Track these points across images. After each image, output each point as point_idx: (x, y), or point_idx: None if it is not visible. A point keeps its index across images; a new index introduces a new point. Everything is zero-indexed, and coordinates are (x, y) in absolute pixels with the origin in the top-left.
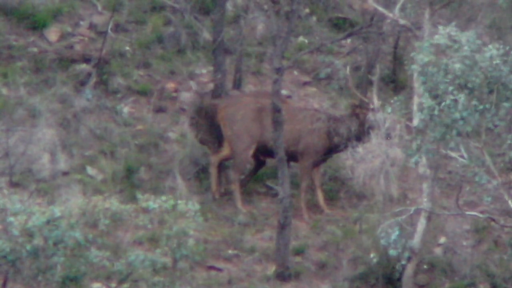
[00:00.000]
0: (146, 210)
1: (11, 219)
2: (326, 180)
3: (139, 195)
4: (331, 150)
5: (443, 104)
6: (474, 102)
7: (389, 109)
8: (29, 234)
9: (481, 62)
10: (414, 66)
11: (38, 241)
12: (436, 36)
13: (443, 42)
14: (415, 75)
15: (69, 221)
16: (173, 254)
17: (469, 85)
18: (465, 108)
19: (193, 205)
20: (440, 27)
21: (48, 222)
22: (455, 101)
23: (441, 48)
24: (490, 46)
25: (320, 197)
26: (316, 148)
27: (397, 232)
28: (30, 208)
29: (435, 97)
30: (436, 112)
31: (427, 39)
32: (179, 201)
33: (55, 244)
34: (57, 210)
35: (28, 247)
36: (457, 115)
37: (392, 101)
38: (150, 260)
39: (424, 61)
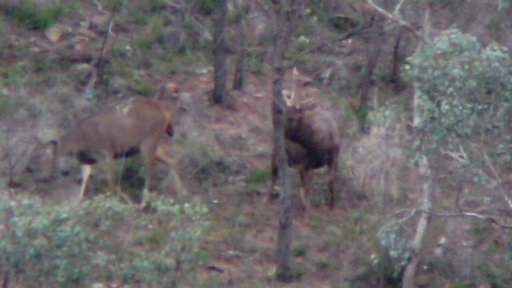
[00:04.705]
0: (148, 209)
1: (16, 219)
2: (327, 180)
3: (145, 192)
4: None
5: (442, 106)
6: (470, 105)
7: (387, 112)
8: (33, 235)
9: (479, 67)
10: (410, 72)
11: (41, 242)
12: (436, 39)
13: (444, 47)
14: (411, 75)
15: (74, 222)
16: (177, 256)
17: (466, 89)
18: (463, 110)
19: (200, 209)
20: (442, 32)
21: (54, 223)
22: (452, 101)
23: (441, 51)
24: (488, 48)
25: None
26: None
27: (395, 228)
28: (35, 208)
29: (433, 98)
30: (436, 115)
31: (428, 45)
32: (186, 204)
33: (58, 245)
34: (62, 211)
35: (31, 250)
36: (455, 119)
37: (390, 102)
38: (153, 263)
39: (424, 66)
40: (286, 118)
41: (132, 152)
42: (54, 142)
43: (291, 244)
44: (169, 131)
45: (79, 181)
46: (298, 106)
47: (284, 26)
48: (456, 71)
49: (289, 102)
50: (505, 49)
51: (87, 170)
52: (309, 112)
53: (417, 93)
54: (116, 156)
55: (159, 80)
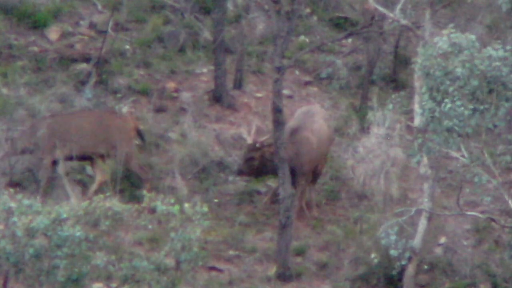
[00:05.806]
0: (148, 209)
1: (15, 219)
2: (327, 180)
3: (144, 193)
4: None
5: (443, 105)
6: (471, 106)
7: (390, 106)
8: (32, 235)
9: (480, 65)
10: (419, 60)
11: (41, 242)
12: (437, 38)
13: (445, 47)
14: (419, 73)
15: (74, 222)
16: (177, 256)
17: (468, 88)
18: (464, 110)
19: (200, 208)
20: (444, 32)
21: (54, 222)
22: (454, 101)
23: (442, 51)
24: (489, 48)
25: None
26: None
27: (395, 229)
28: (36, 208)
29: (434, 97)
30: (437, 114)
31: (430, 45)
32: (186, 204)
33: (58, 245)
34: (63, 211)
35: (31, 250)
36: (456, 121)
37: (392, 96)
38: (153, 263)
39: (426, 64)
40: (247, 157)
41: (90, 158)
42: (11, 139)
43: (291, 244)
44: (141, 137)
45: (78, 181)
46: (258, 145)
47: (284, 26)
48: (458, 70)
49: (249, 139)
50: (508, 47)
51: (61, 166)
52: (269, 149)
53: (423, 90)
54: (70, 159)
55: (159, 79)
